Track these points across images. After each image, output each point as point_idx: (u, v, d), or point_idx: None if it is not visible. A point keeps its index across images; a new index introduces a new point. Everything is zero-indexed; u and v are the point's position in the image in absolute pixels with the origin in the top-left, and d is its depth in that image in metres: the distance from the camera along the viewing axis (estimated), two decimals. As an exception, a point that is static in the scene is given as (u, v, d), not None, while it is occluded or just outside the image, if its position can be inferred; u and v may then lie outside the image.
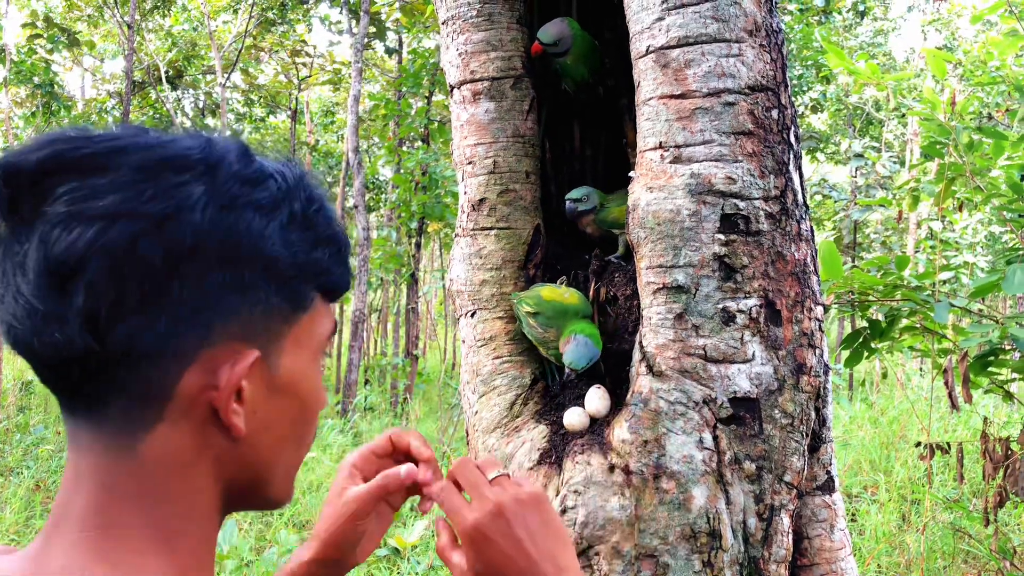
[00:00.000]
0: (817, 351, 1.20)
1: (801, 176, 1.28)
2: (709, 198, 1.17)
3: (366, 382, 11.58)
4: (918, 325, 3.97)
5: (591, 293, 1.32)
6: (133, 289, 0.56)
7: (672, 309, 1.16)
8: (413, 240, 11.90)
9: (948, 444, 4.88)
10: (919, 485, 5.68)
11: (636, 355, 1.19)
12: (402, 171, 10.96)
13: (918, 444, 5.29)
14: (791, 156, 1.25)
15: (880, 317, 3.75)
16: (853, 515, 5.53)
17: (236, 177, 0.60)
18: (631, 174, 1.25)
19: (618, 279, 1.31)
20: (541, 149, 1.38)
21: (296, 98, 17.19)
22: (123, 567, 0.57)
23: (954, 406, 4.49)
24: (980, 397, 7.74)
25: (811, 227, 1.28)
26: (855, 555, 5.03)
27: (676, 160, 1.19)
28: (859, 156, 13.55)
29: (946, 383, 4.47)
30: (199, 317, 0.58)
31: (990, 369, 4.01)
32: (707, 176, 1.17)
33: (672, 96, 1.20)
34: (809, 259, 1.23)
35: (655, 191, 1.19)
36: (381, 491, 0.86)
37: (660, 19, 1.20)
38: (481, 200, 1.33)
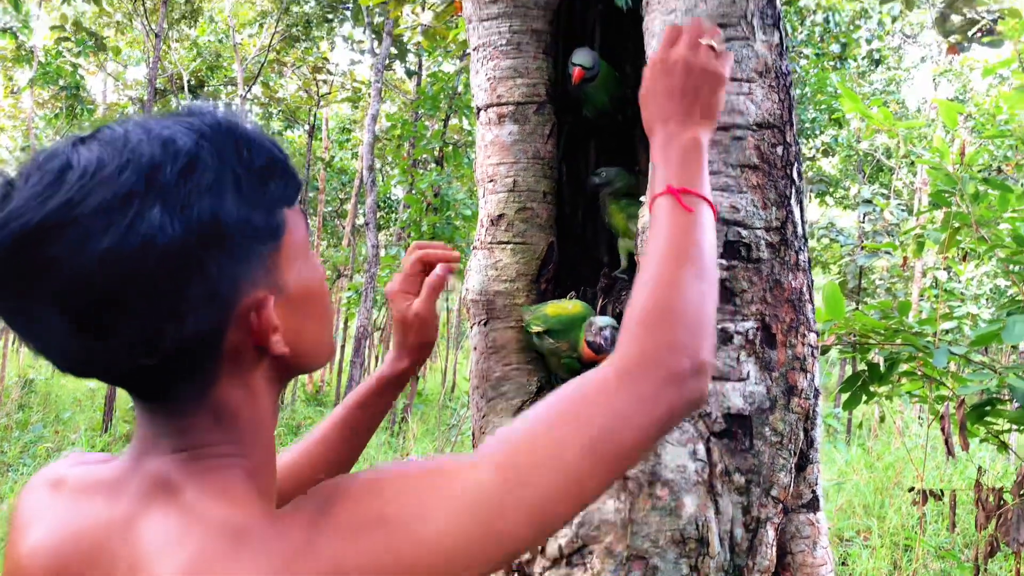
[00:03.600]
0: (808, 375, 1.27)
1: (802, 210, 1.36)
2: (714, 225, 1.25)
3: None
4: (917, 371, 4.01)
5: (598, 309, 1.39)
6: (155, 310, 0.64)
7: (674, 327, 1.23)
8: (421, 260, 11.94)
9: (941, 491, 4.90)
10: (912, 532, 5.70)
11: (638, 369, 1.26)
12: (415, 191, 11.08)
13: (911, 489, 5.31)
14: (793, 191, 1.33)
15: (880, 361, 3.80)
16: (844, 559, 5.54)
17: (175, 176, 0.65)
18: (642, 198, 1.32)
19: (624, 296, 1.39)
20: (558, 171, 1.46)
21: (314, 114, 17.41)
22: (208, 484, 0.68)
23: (950, 453, 4.52)
24: (977, 448, 7.76)
25: (808, 259, 1.35)
26: (844, 596, 5.04)
27: (685, 188, 1.27)
28: (868, 202, 13.63)
29: (943, 429, 4.51)
30: (215, 300, 0.67)
31: (987, 419, 4.05)
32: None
33: (684, 128, 1.28)
34: (805, 288, 1.31)
35: (664, 216, 1.26)
36: (435, 294, 1.14)
37: (677, 56, 1.29)
38: (500, 216, 1.41)
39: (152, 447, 0.72)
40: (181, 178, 0.66)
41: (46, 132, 17.18)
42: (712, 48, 1.01)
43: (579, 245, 1.49)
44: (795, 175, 1.34)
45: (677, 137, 0.97)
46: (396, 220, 15.78)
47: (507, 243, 1.40)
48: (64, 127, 15.05)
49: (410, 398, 10.05)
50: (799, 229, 1.33)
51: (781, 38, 1.36)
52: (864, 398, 3.78)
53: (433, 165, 12.27)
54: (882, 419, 5.55)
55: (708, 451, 1.19)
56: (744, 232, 1.26)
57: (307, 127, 17.95)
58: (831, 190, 18.48)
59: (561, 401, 0.76)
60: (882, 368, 3.82)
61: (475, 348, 1.41)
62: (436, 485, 0.68)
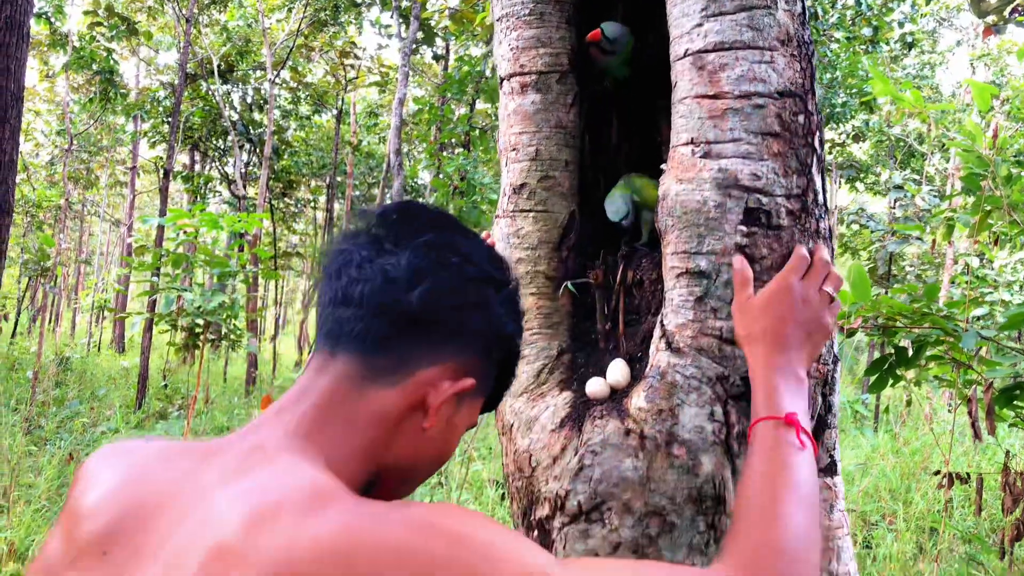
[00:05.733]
0: (827, 341, 1.28)
1: (823, 179, 1.37)
2: (734, 192, 1.26)
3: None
4: (945, 355, 3.98)
5: (619, 276, 1.41)
6: (448, 301, 0.85)
7: (693, 292, 1.25)
8: (448, 244, 11.98)
9: (968, 474, 4.87)
10: (938, 516, 5.66)
11: (657, 333, 1.28)
12: (441, 175, 11.11)
13: (937, 472, 5.27)
14: (814, 159, 1.33)
15: (908, 344, 3.77)
16: (868, 542, 5.52)
17: (516, 292, 0.94)
18: (663, 167, 1.34)
19: (644, 264, 1.41)
20: (581, 140, 1.48)
21: (342, 98, 17.48)
22: (288, 466, 0.76)
23: (977, 436, 4.49)
24: (1006, 433, 7.68)
25: (829, 227, 1.36)
26: (868, 578, 5.03)
27: (706, 155, 1.28)
28: (899, 188, 13.44)
29: (970, 413, 4.48)
30: (458, 343, 0.87)
31: (1016, 403, 4.01)
32: (734, 171, 1.27)
33: (706, 96, 1.29)
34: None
35: (684, 183, 1.28)
36: None
37: (699, 25, 1.30)
38: (522, 185, 1.43)
39: (282, 413, 0.82)
40: (511, 306, 0.95)
41: (80, 116, 17.41)
42: (830, 297, 1.15)
43: (601, 214, 1.51)
44: (816, 144, 1.35)
45: (791, 370, 1.06)
46: (423, 204, 15.80)
47: (529, 211, 1.42)
48: (98, 111, 15.25)
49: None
50: (820, 197, 1.34)
51: (803, 7, 1.37)
52: (891, 382, 3.77)
53: (460, 149, 12.30)
54: (908, 403, 5.50)
55: (726, 413, 1.21)
56: (765, 199, 1.27)
57: (335, 111, 18.04)
58: (861, 176, 18.25)
59: None
60: (909, 352, 3.80)
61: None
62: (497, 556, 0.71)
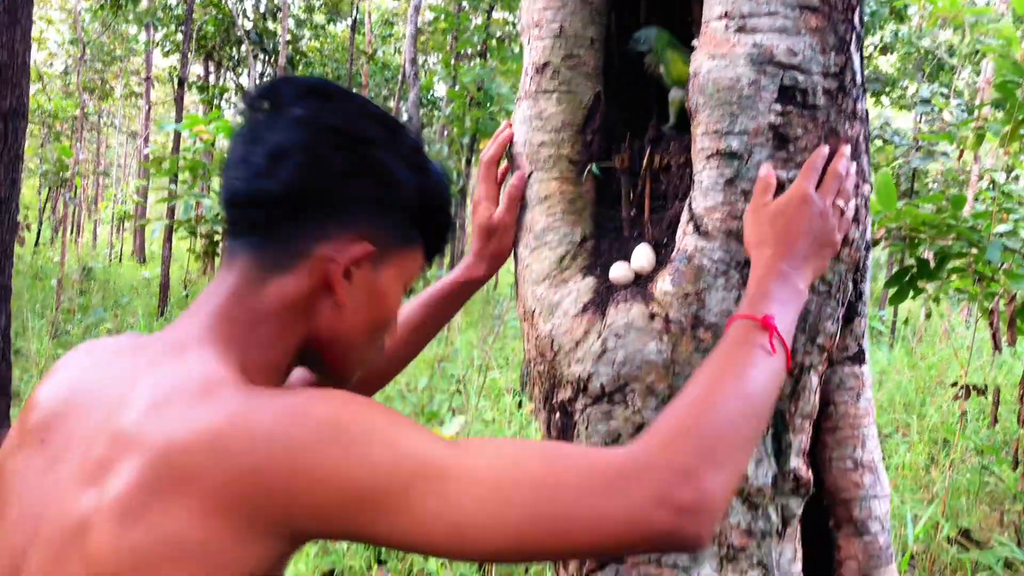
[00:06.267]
0: (860, 227, 1.24)
1: (861, 58, 1.30)
2: (769, 68, 1.20)
3: (411, 292, 11.81)
4: (968, 268, 3.93)
5: (645, 160, 1.36)
6: (314, 174, 0.84)
7: (724, 174, 1.20)
8: (464, 156, 11.89)
9: (985, 386, 4.85)
10: (952, 428, 5.69)
11: (684, 216, 1.24)
12: (457, 87, 10.90)
13: (954, 384, 5.26)
14: (853, 36, 1.27)
15: (930, 256, 3.72)
16: (881, 453, 5.57)
17: (412, 146, 0.91)
18: (694, 43, 1.28)
19: (673, 147, 1.36)
20: (608, 17, 1.41)
21: (357, 7, 17.05)
22: (194, 358, 0.79)
23: (997, 347, 4.46)
24: (1025, 349, 7.65)
25: (866, 109, 1.30)
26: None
27: (740, 30, 1.22)
28: (926, 102, 13.06)
29: (991, 323, 4.44)
30: (345, 212, 0.86)
31: (1038, 316, 3.98)
32: (769, 47, 1.20)
33: (742, -34, 1.22)
34: (861, 138, 1.26)
35: (717, 59, 1.22)
36: (516, 202, 1.35)
37: None
38: (545, 64, 1.37)
39: (199, 309, 0.85)
40: (414, 151, 0.94)
41: (93, 25, 17.12)
42: (842, 212, 1.12)
43: (627, 95, 1.45)
44: (856, 20, 1.28)
45: (791, 281, 1.02)
46: (439, 117, 15.60)
47: (552, 92, 1.37)
48: (110, 19, 14.97)
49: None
50: (857, 77, 1.27)
51: None
52: (912, 293, 3.72)
53: (477, 59, 12.04)
54: (928, 316, 5.48)
55: (753, 297, 1.18)
56: (801, 77, 1.21)
57: (350, 20, 17.63)
58: (887, 90, 17.77)
59: (556, 456, 0.75)
60: (932, 264, 3.74)
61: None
62: (396, 433, 0.72)
